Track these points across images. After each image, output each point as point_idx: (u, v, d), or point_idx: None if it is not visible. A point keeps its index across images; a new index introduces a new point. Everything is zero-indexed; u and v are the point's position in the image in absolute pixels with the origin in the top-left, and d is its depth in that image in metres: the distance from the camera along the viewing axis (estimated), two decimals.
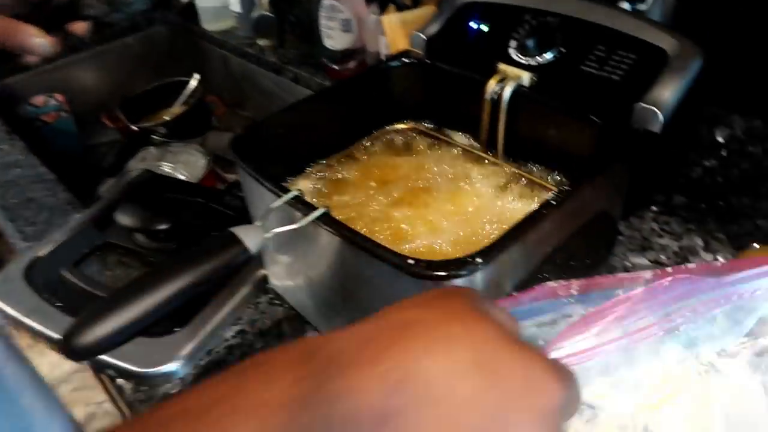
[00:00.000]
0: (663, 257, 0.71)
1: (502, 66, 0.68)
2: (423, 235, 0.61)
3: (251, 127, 0.66)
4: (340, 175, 0.70)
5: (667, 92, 0.58)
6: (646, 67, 0.60)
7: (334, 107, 0.73)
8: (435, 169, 0.70)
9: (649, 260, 0.71)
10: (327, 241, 0.54)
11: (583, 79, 0.63)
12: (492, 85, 0.67)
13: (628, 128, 0.59)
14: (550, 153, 0.67)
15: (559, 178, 0.67)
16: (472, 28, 0.72)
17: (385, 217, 0.64)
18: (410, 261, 0.45)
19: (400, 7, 0.95)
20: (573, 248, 0.54)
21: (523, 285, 0.51)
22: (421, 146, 0.74)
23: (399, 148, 0.75)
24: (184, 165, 1.16)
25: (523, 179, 0.67)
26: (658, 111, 0.57)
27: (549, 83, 0.65)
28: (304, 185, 0.68)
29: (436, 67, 0.73)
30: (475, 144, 0.73)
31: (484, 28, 0.71)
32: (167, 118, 1.23)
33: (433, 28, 0.74)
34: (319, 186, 0.69)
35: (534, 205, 0.62)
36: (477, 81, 0.68)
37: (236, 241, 0.48)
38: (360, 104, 0.75)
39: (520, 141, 0.69)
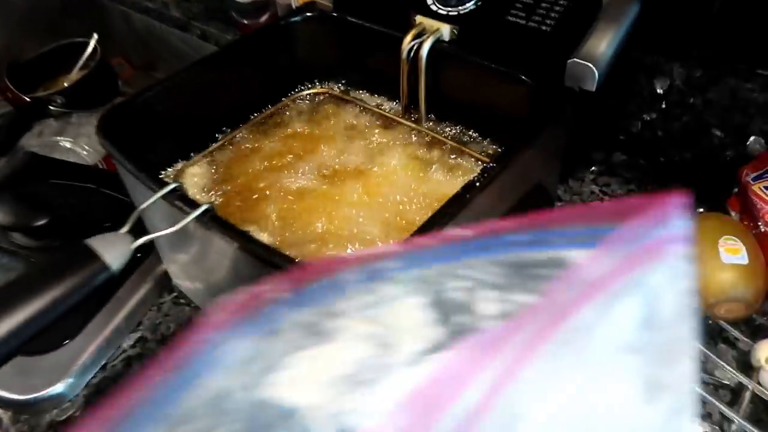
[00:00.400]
0: None
1: (419, 18, 0.59)
2: (343, 223, 0.53)
3: (124, 103, 0.55)
4: (241, 154, 0.61)
5: (603, 44, 0.51)
6: (578, 15, 0.52)
7: (230, 73, 0.63)
8: (351, 139, 0.62)
9: None
10: (218, 242, 0.45)
11: (509, 30, 0.55)
12: (408, 40, 0.58)
13: (561, 87, 0.51)
14: (477, 117, 0.59)
15: (488, 144, 0.60)
16: None
17: (297, 204, 0.55)
18: None
19: None
20: None
21: None
22: (334, 114, 0.65)
23: (309, 117, 0.65)
24: (87, 138, 1.03)
25: (450, 148, 0.59)
26: (593, 67, 0.50)
27: (472, 36, 0.57)
28: (196, 170, 0.58)
29: (345, 21, 0.64)
30: (396, 108, 0.65)
31: None
32: (66, 84, 1.09)
33: None
34: (215, 169, 0.59)
35: (462, 180, 0.55)
36: (392, 36, 0.59)
37: (93, 256, 0.39)
38: (261, 68, 0.65)
39: (445, 104, 0.61)
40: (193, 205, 0.44)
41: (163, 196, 0.45)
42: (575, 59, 0.50)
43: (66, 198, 0.75)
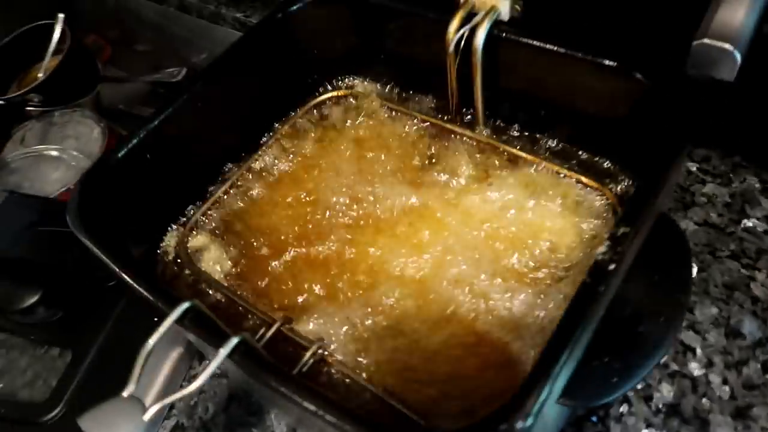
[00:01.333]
0: (713, 215, 0.53)
1: None
2: (410, 282, 0.41)
3: (92, 172, 0.42)
4: (251, 204, 0.48)
5: (740, 13, 0.36)
6: None
7: (223, 94, 0.48)
8: (392, 161, 0.49)
9: (697, 223, 0.53)
10: None
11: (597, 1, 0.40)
12: (456, 27, 0.43)
13: (683, 80, 0.37)
14: (555, 118, 0.45)
15: (568, 150, 0.46)
16: None
17: (343, 262, 0.43)
18: None
19: None
20: (637, 303, 0.35)
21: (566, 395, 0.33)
22: (365, 124, 0.51)
23: (332, 132, 0.51)
24: (75, 140, 0.90)
25: (526, 162, 0.46)
26: (732, 49, 0.36)
27: (541, 12, 0.42)
28: (203, 240, 0.46)
29: (367, 3, 0.49)
30: (443, 112, 0.51)
31: None
32: (40, 76, 0.95)
33: None
34: (227, 232, 0.46)
35: (560, 209, 0.43)
36: (433, 21, 0.45)
37: None
38: (259, 79, 0.50)
39: (510, 104, 0.47)
40: (217, 332, 0.32)
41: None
42: (704, 40, 0.36)
43: (56, 250, 0.64)
